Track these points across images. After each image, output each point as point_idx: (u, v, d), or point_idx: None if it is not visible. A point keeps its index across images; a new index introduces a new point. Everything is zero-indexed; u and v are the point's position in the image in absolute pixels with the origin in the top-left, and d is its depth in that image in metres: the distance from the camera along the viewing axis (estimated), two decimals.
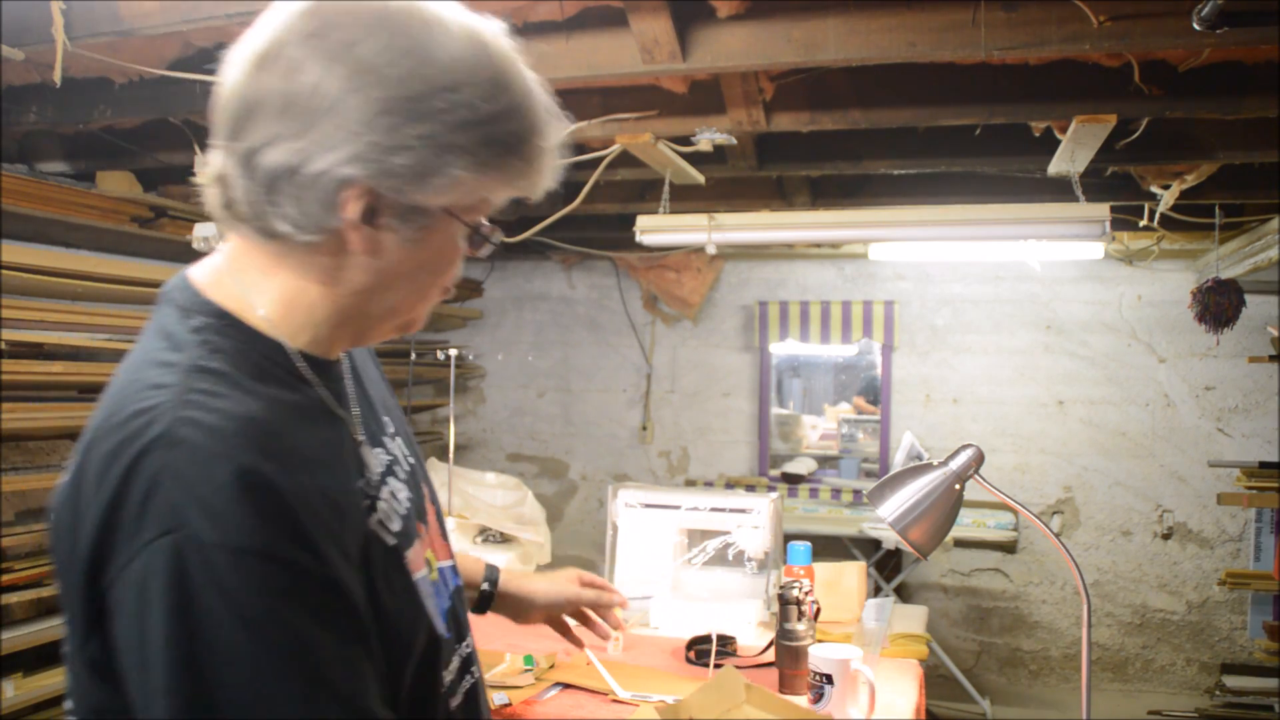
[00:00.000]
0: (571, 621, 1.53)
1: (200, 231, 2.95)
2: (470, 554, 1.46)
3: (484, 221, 0.82)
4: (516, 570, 1.52)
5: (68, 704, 0.77)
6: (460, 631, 0.94)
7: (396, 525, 0.84)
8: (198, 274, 0.82)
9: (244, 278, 0.80)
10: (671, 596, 2.34)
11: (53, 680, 2.96)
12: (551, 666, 1.98)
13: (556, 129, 0.81)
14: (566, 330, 5.35)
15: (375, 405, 0.94)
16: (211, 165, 0.78)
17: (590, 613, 1.52)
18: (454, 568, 0.98)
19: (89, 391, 3.18)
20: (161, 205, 3.28)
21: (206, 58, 2.51)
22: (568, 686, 1.88)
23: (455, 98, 0.73)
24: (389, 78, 0.72)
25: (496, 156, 0.76)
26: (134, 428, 0.70)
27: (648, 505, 2.34)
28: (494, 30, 0.78)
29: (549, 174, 0.82)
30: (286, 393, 0.78)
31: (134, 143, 3.04)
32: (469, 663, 0.95)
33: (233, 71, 0.76)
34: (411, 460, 0.96)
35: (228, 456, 0.68)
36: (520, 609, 1.44)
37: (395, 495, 0.87)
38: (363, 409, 0.89)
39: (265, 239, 0.78)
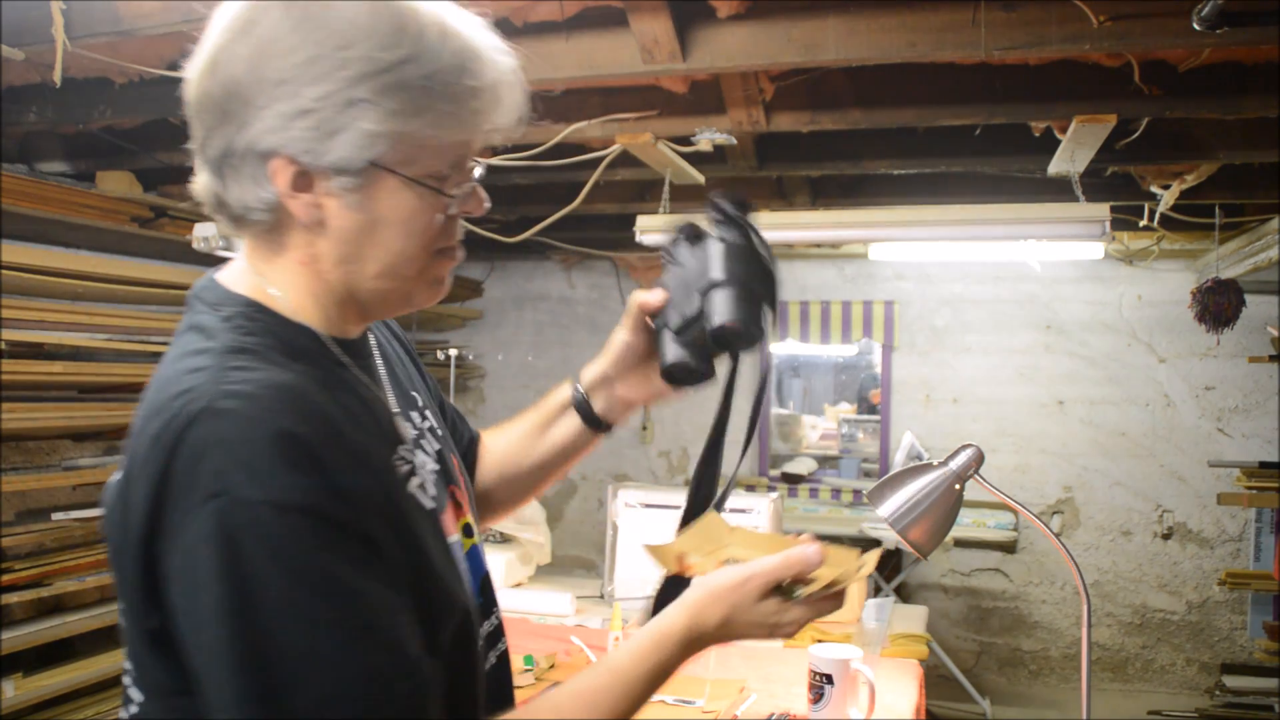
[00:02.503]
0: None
1: (200, 231, 2.94)
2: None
3: (441, 173, 0.79)
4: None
5: (129, 688, 0.79)
6: (489, 602, 0.96)
7: (432, 490, 0.87)
8: (222, 274, 0.85)
9: (257, 271, 0.83)
10: None
11: (53, 680, 2.95)
12: (552, 666, 1.99)
13: (491, 64, 0.79)
14: (566, 330, 5.35)
15: (402, 382, 0.97)
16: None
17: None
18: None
19: (89, 391, 3.17)
20: (161, 205, 3.28)
21: None
22: None
23: (347, 54, 0.73)
24: (282, 50, 0.74)
25: (410, 102, 0.75)
26: (176, 408, 0.71)
27: (648, 505, 2.34)
28: None
29: (501, 111, 0.80)
30: (316, 369, 0.80)
31: (134, 143, 3.04)
32: (497, 635, 0.96)
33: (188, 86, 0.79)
34: (441, 432, 0.98)
35: (266, 421, 0.70)
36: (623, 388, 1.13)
37: (425, 465, 0.89)
38: (392, 384, 0.93)
39: (246, 230, 0.82)
